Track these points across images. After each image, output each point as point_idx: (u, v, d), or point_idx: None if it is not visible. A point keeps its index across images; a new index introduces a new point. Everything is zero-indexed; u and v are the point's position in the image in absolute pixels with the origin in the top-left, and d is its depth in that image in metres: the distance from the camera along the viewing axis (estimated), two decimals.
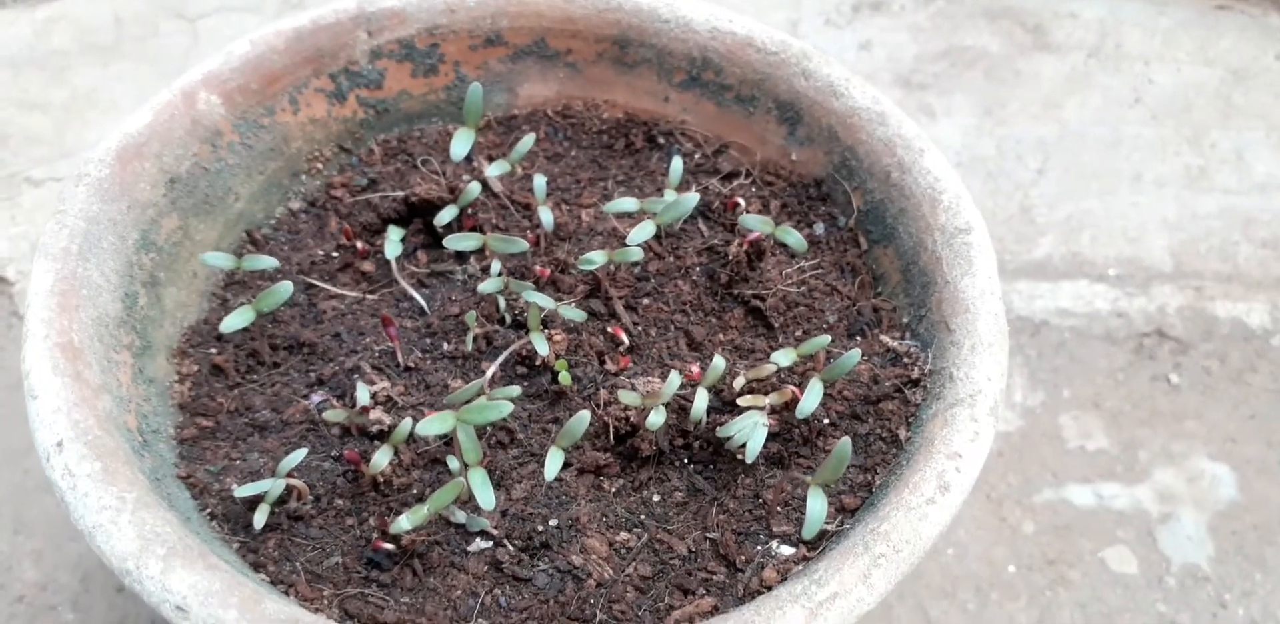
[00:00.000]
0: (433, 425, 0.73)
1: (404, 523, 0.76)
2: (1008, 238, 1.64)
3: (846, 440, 0.73)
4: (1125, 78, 1.77)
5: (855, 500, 0.85)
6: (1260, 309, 1.59)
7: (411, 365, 0.96)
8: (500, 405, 0.73)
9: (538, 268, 1.00)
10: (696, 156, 1.13)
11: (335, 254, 1.07)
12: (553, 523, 0.87)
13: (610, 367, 0.96)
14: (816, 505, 0.73)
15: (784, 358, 0.87)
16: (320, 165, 1.12)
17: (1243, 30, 1.81)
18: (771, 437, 0.89)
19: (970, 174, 1.68)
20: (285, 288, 0.88)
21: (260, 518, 0.82)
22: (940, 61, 1.77)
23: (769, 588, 0.80)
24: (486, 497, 0.76)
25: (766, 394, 0.89)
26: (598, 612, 0.81)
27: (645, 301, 1.02)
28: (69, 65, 1.70)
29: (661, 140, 1.15)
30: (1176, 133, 1.73)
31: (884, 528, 0.75)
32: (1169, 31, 1.81)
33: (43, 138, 1.64)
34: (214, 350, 0.98)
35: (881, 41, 1.79)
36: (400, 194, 1.07)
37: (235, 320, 0.88)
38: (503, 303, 0.99)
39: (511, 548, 0.85)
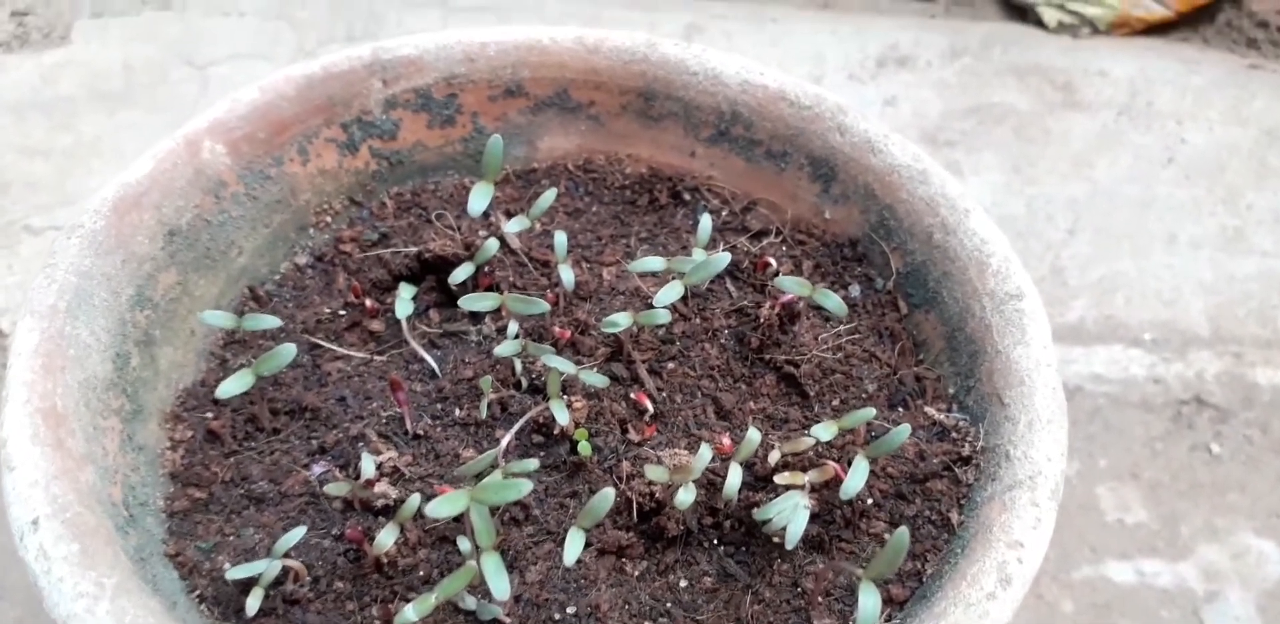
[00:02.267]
0: (444, 507, 0.66)
1: (410, 614, 0.69)
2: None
3: (904, 531, 0.66)
4: (1157, 137, 1.72)
5: (904, 591, 0.78)
6: None
7: (421, 433, 0.90)
8: (518, 484, 0.67)
9: (557, 329, 0.94)
10: (724, 214, 1.08)
11: (342, 312, 1.01)
12: (570, 610, 0.79)
13: (633, 436, 0.90)
14: (870, 603, 0.66)
15: (825, 432, 0.80)
16: (329, 219, 1.07)
17: (1276, 90, 1.77)
18: (811, 518, 0.82)
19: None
20: (287, 350, 0.82)
21: (254, 603, 0.75)
22: (968, 119, 1.72)
23: None
24: (501, 585, 0.69)
25: (804, 470, 0.82)
26: None
27: (670, 366, 0.96)
28: (75, 112, 1.66)
29: (687, 196, 1.09)
30: (1210, 193, 1.68)
31: None
32: (1200, 90, 1.77)
33: (44, 185, 1.59)
34: (210, 415, 0.92)
35: (907, 97, 1.75)
36: (413, 250, 1.02)
37: (233, 385, 0.82)
38: (519, 366, 0.93)
39: None
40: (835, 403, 0.92)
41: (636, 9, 1.89)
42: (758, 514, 0.77)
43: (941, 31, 1.85)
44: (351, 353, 0.97)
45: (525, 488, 0.67)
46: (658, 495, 0.84)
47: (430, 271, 1.02)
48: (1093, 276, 1.60)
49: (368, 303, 0.99)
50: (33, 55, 1.72)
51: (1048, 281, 1.59)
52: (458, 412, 0.92)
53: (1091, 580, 1.34)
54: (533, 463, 0.80)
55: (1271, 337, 1.56)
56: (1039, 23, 1.88)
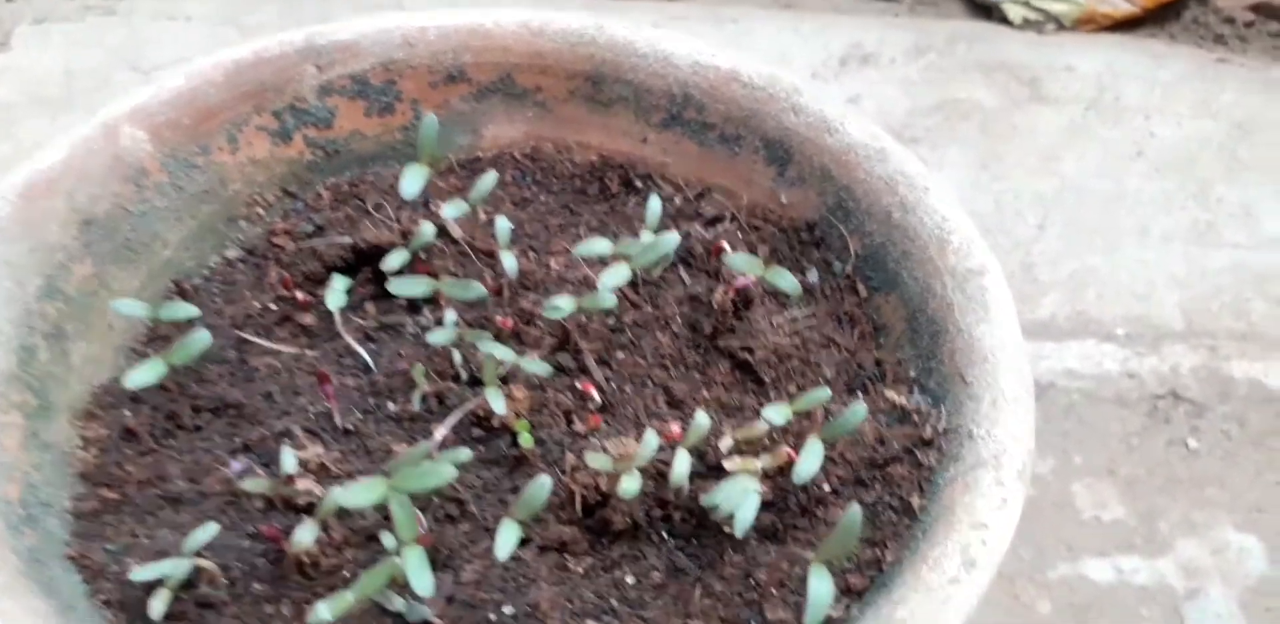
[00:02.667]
0: (359, 494, 0.61)
1: (324, 613, 0.64)
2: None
3: (856, 508, 0.61)
4: (1126, 131, 1.69)
5: (863, 580, 0.73)
6: (1279, 369, 1.49)
7: (350, 428, 0.85)
8: (441, 469, 0.62)
9: (499, 319, 0.90)
10: (677, 201, 1.03)
11: (273, 306, 0.95)
12: (508, 610, 0.74)
13: (579, 427, 0.85)
14: (821, 588, 0.61)
15: (777, 414, 0.76)
16: (261, 211, 1.01)
17: (1244, 84, 1.75)
18: (764, 506, 0.77)
19: None
20: (202, 337, 0.77)
21: (159, 606, 0.70)
22: (933, 115, 1.69)
23: None
24: (423, 581, 0.63)
25: (757, 456, 0.77)
26: None
27: (620, 355, 0.91)
28: (14, 119, 1.61)
29: (639, 184, 1.05)
30: (1181, 187, 1.65)
31: (900, 615, 0.63)
32: (1169, 85, 1.74)
33: None
34: (127, 412, 0.86)
35: (871, 95, 1.71)
36: (347, 240, 0.97)
37: (143, 375, 0.76)
38: (458, 357, 0.88)
39: None
40: (792, 389, 0.87)
41: (594, 10, 1.85)
42: (704, 500, 0.72)
43: (905, 29, 1.82)
44: (281, 348, 0.92)
45: (448, 473, 0.62)
46: (603, 488, 0.79)
47: (366, 263, 0.97)
48: (1063, 272, 1.57)
49: (299, 296, 0.94)
50: None
51: (1018, 277, 1.55)
52: (391, 406, 0.87)
53: (1069, 580, 1.29)
54: (465, 452, 0.75)
55: (1246, 329, 1.52)
56: (1004, 20, 1.86)
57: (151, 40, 1.71)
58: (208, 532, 0.71)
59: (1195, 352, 1.51)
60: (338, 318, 0.92)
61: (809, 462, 0.72)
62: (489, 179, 0.91)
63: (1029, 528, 1.33)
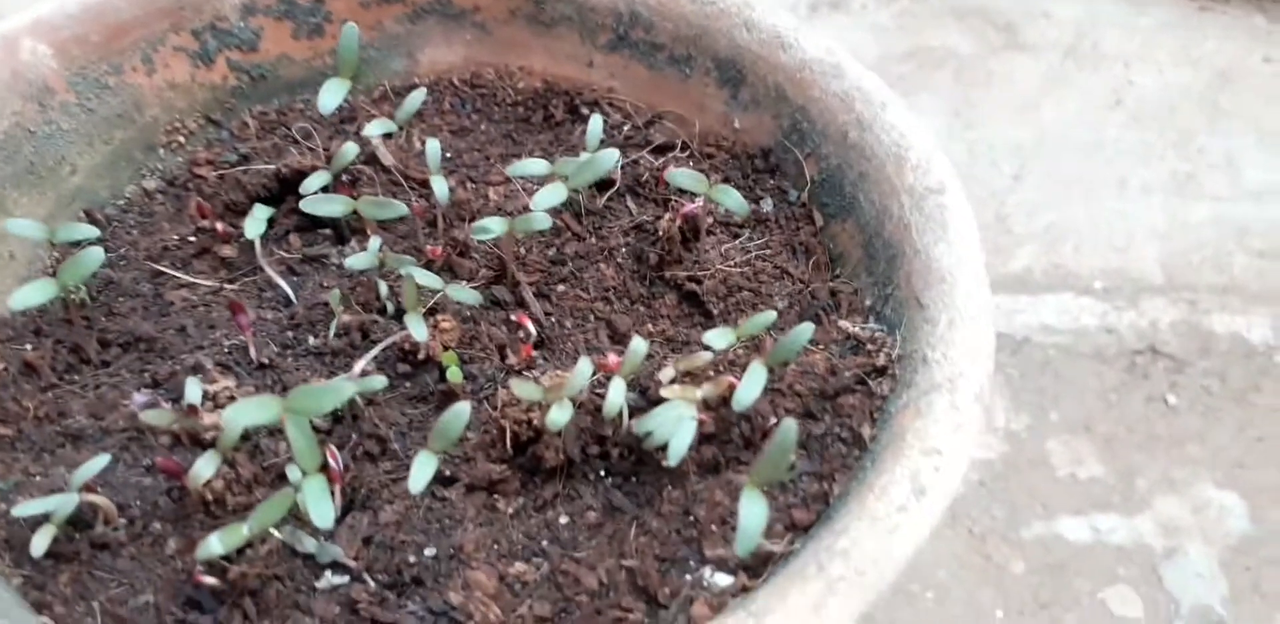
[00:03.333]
0: (248, 413, 0.55)
1: (215, 545, 0.58)
2: (983, 249, 1.49)
3: (790, 423, 0.55)
4: (1105, 79, 1.64)
5: (809, 515, 0.67)
6: (1261, 323, 1.44)
7: (266, 362, 0.79)
8: (338, 387, 0.56)
9: (429, 248, 0.84)
10: (626, 128, 0.97)
11: (192, 238, 0.89)
12: (429, 553, 0.68)
13: (513, 362, 0.79)
14: (754, 513, 0.56)
15: (720, 339, 0.70)
16: (182, 139, 0.95)
17: (1227, 31, 1.69)
18: (706, 439, 0.72)
19: None
20: (93, 255, 0.71)
21: (41, 542, 0.64)
22: (906, 62, 1.63)
23: None
24: (323, 511, 0.58)
25: (699, 386, 0.71)
26: None
27: (561, 288, 0.85)
28: None
29: (586, 111, 0.99)
30: (1161, 137, 1.59)
31: (842, 544, 0.58)
32: (1149, 32, 1.69)
33: None
34: (29, 346, 0.80)
35: (841, 41, 1.65)
36: (270, 167, 0.90)
37: (30, 294, 0.70)
38: (384, 288, 0.82)
39: (373, 584, 0.67)
40: (741, 322, 0.82)
41: None
42: (636, 426, 0.67)
43: None
44: (198, 281, 0.86)
45: (346, 391, 0.57)
46: (535, 423, 0.73)
47: (290, 192, 0.90)
48: (1040, 224, 1.51)
49: (219, 227, 0.88)
50: None
51: (992, 229, 1.50)
52: (312, 340, 0.81)
53: (1043, 539, 1.24)
54: (379, 380, 0.70)
55: (1227, 283, 1.47)
56: None
57: None
58: (97, 464, 0.65)
59: (1175, 306, 1.46)
60: (258, 248, 0.86)
61: (749, 387, 0.66)
62: (416, 97, 0.85)
63: (1002, 486, 1.28)
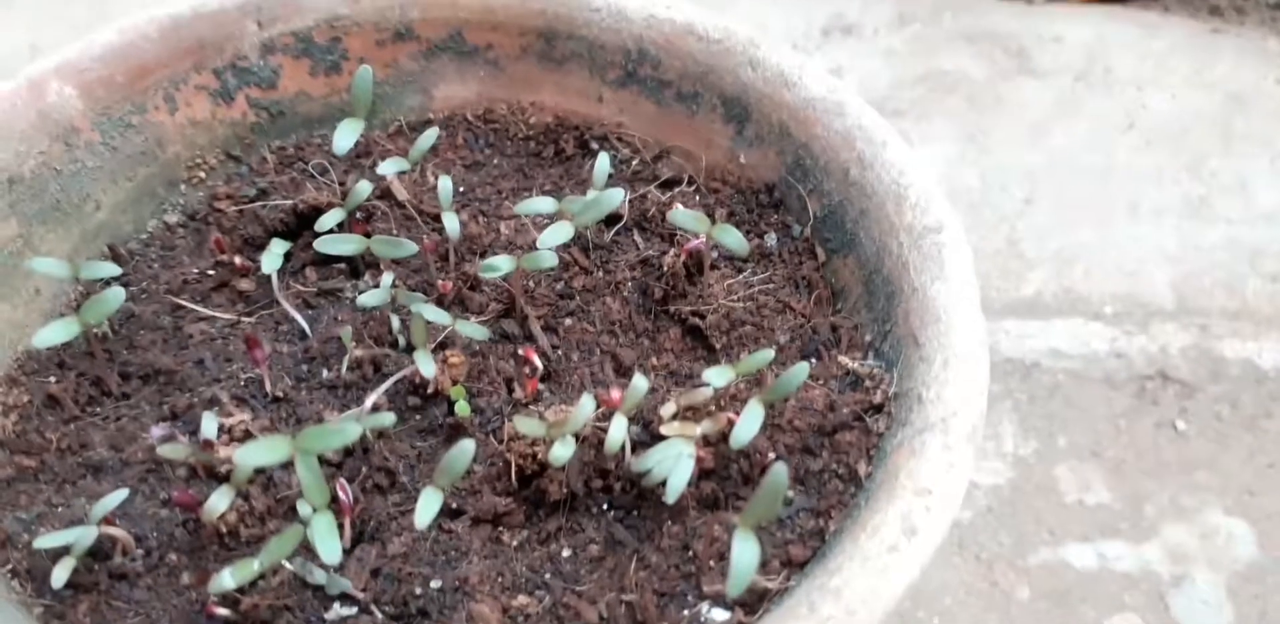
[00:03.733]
0: (260, 454, 0.58)
1: (227, 580, 0.60)
2: (993, 273, 1.50)
3: (780, 467, 0.57)
4: (1117, 103, 1.64)
5: (805, 551, 0.69)
6: (1272, 348, 1.44)
7: (281, 395, 0.81)
8: (345, 428, 0.58)
9: (440, 283, 0.86)
10: (634, 163, 0.99)
11: (211, 272, 0.92)
12: (435, 585, 0.70)
13: (520, 396, 0.81)
14: (746, 553, 0.57)
15: (719, 377, 0.72)
16: (203, 174, 0.98)
17: (1240, 54, 1.70)
18: (705, 475, 0.73)
19: (952, 205, 1.55)
20: (115, 294, 0.73)
21: (61, 574, 0.66)
22: (917, 87, 1.65)
23: None
24: (330, 548, 0.60)
25: (698, 423, 0.73)
26: None
27: (568, 321, 0.87)
28: None
29: (595, 146, 1.01)
30: (1174, 160, 1.60)
31: (834, 583, 0.59)
32: (1161, 55, 1.70)
33: None
34: (52, 378, 0.83)
35: (853, 67, 1.67)
36: (288, 203, 0.93)
37: (54, 333, 0.73)
38: (396, 322, 0.84)
39: (380, 615, 0.69)
40: (744, 356, 0.83)
41: None
42: (635, 465, 0.69)
43: None
44: (217, 314, 0.88)
45: (352, 433, 0.59)
46: (540, 457, 0.75)
47: (307, 226, 0.93)
48: (1051, 248, 1.52)
49: (238, 261, 0.91)
50: None
51: (1003, 254, 1.51)
52: (325, 373, 0.83)
53: (1050, 565, 1.25)
54: (389, 417, 0.72)
55: (1239, 308, 1.48)
56: None
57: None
58: (115, 498, 0.68)
59: (1186, 330, 1.47)
60: (275, 282, 0.89)
61: (747, 424, 0.68)
62: (429, 135, 0.87)
63: (1009, 512, 1.29)
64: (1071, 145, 1.60)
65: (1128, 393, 1.40)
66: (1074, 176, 1.58)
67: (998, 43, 1.69)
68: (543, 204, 0.85)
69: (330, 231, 0.86)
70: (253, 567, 0.61)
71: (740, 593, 0.58)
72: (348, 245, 0.80)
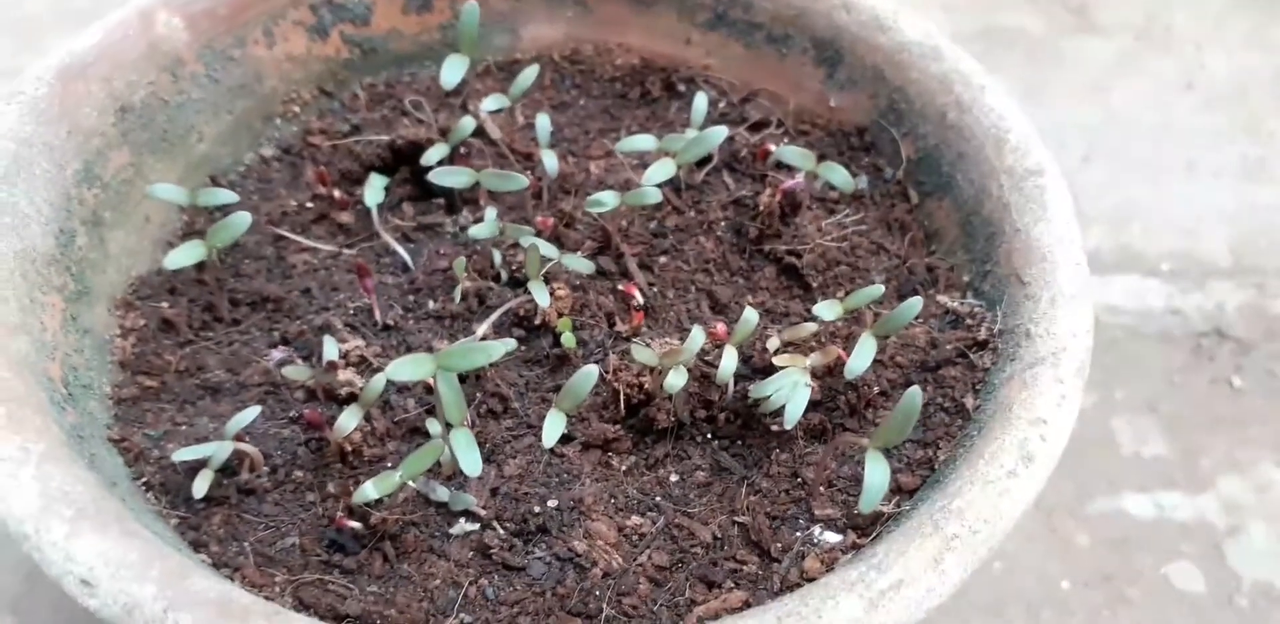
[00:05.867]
0: (407, 368, 0.60)
1: (370, 491, 0.62)
2: None
3: (915, 390, 0.59)
4: (1176, 62, 1.64)
5: (914, 479, 0.71)
6: None
7: (390, 324, 0.83)
8: (488, 347, 0.60)
9: (539, 219, 0.87)
10: (721, 105, 1.00)
11: (310, 205, 0.94)
12: (551, 504, 0.73)
13: (621, 328, 0.83)
14: (877, 473, 0.59)
15: (828, 311, 0.73)
16: (298, 109, 0.99)
17: None
18: (812, 406, 0.75)
19: None
20: (241, 219, 0.75)
21: (202, 485, 0.69)
22: (977, 42, 1.64)
23: (812, 580, 0.66)
24: (472, 461, 0.62)
25: (806, 355, 0.75)
26: (604, 606, 0.67)
27: (662, 260, 0.89)
28: (41, 30, 1.58)
29: (682, 88, 1.02)
30: (1231, 120, 1.60)
31: (956, 505, 0.61)
32: (1220, 15, 1.69)
33: None
34: (165, 303, 0.85)
35: None
36: (385, 138, 0.94)
37: (182, 256, 0.75)
38: (498, 257, 0.86)
39: (502, 531, 0.71)
40: (840, 295, 0.85)
41: None
42: (754, 391, 0.71)
43: None
44: (318, 245, 0.90)
45: (497, 351, 0.61)
46: (646, 386, 0.77)
47: (403, 162, 0.95)
48: (1108, 205, 1.53)
49: (336, 194, 0.92)
50: None
51: None
52: (431, 304, 0.85)
53: (1108, 514, 1.27)
54: (509, 342, 0.74)
55: None
56: None
57: None
58: (249, 414, 0.70)
59: (1242, 289, 1.48)
60: (375, 216, 0.90)
61: (861, 357, 0.70)
62: (529, 73, 0.88)
63: (1069, 462, 1.30)
64: (1130, 103, 1.60)
65: (1184, 349, 1.42)
66: (1132, 135, 1.58)
67: None
68: (643, 142, 0.86)
69: (432, 167, 0.87)
70: (394, 479, 0.63)
71: (870, 510, 0.60)
72: (459, 177, 0.81)
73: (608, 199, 0.82)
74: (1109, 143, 1.58)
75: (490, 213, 0.87)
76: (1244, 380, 1.40)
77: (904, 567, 0.58)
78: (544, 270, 0.84)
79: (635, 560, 0.70)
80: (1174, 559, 1.23)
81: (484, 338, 0.80)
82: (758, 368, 0.80)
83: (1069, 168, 1.56)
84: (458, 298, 0.82)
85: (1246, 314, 1.45)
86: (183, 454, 0.69)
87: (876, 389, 0.77)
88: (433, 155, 0.87)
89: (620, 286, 0.85)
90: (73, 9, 1.60)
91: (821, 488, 0.72)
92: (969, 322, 0.79)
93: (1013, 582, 1.19)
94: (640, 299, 0.83)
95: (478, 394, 0.78)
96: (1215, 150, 1.58)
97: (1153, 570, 1.22)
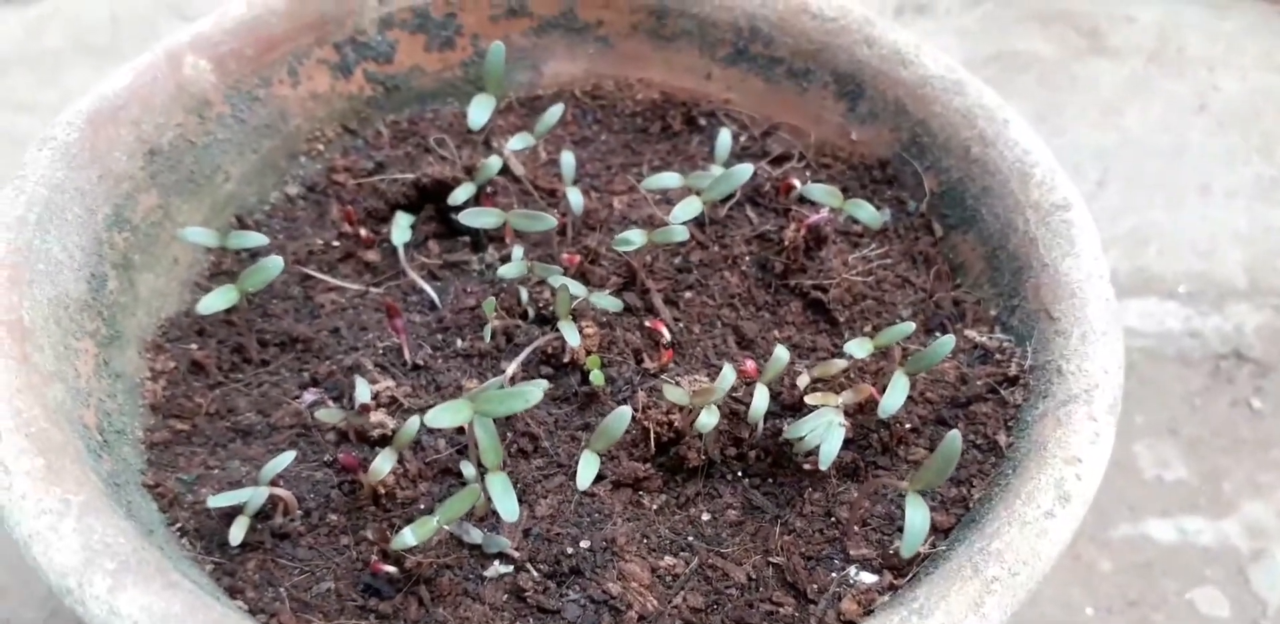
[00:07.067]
0: (445, 416, 0.60)
1: (408, 537, 0.63)
2: None
3: (955, 435, 0.59)
4: (1188, 84, 1.65)
5: (949, 518, 0.71)
6: None
7: (420, 364, 0.83)
8: (525, 392, 0.60)
9: (564, 256, 0.88)
10: (742, 139, 1.01)
11: (336, 243, 0.94)
12: (584, 545, 0.73)
13: (649, 365, 0.83)
14: (918, 517, 0.60)
15: (859, 348, 0.74)
16: (321, 147, 1.00)
17: None
18: (845, 444, 0.75)
19: None
20: (274, 264, 0.75)
21: (238, 532, 0.69)
22: (990, 66, 1.65)
23: (850, 623, 0.66)
24: (509, 505, 0.62)
25: (837, 393, 0.75)
26: None
27: (687, 295, 0.89)
28: (60, 66, 1.60)
29: (702, 122, 1.03)
30: (1245, 141, 1.61)
31: (995, 546, 0.61)
32: (1232, 36, 1.70)
33: (30, 141, 1.53)
34: (194, 345, 0.86)
35: None
36: (410, 177, 0.95)
37: (216, 300, 0.75)
38: (525, 295, 0.86)
39: (536, 573, 0.71)
40: (867, 330, 0.85)
41: None
42: (788, 432, 0.71)
43: None
44: (345, 284, 0.91)
45: (534, 396, 0.61)
46: (676, 425, 0.78)
47: (429, 200, 0.95)
48: (1124, 227, 1.53)
49: (362, 233, 0.93)
50: (17, 8, 1.65)
51: None
52: (460, 342, 0.85)
53: (1131, 539, 1.27)
54: (541, 384, 0.74)
55: None
56: None
57: None
58: (284, 460, 0.70)
59: (1260, 310, 1.48)
60: (402, 254, 0.91)
61: (895, 396, 0.70)
62: (554, 111, 0.89)
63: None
64: (1143, 126, 1.61)
65: (1203, 371, 1.42)
66: (1146, 157, 1.59)
67: (1070, 22, 1.69)
68: (669, 180, 0.87)
69: (460, 207, 0.88)
70: (432, 524, 0.63)
71: (912, 553, 0.60)
72: (489, 219, 0.82)
73: (635, 238, 0.82)
74: (1123, 166, 1.58)
75: (517, 251, 0.87)
76: (1264, 402, 1.40)
77: (946, 611, 0.58)
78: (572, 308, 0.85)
79: (670, 602, 0.70)
80: (1198, 584, 1.23)
81: (514, 377, 0.81)
82: (787, 404, 0.80)
83: (1084, 191, 1.56)
84: (487, 337, 0.83)
85: (1265, 335, 1.45)
86: (218, 501, 0.69)
87: (908, 425, 0.77)
88: (460, 195, 0.88)
89: (647, 323, 0.85)
90: (93, 44, 1.62)
91: (856, 527, 0.72)
92: (998, 357, 0.79)
93: (1036, 609, 1.19)
94: (668, 336, 0.83)
95: (508, 433, 0.78)
96: (1230, 172, 1.58)
97: (1177, 596, 1.22)
